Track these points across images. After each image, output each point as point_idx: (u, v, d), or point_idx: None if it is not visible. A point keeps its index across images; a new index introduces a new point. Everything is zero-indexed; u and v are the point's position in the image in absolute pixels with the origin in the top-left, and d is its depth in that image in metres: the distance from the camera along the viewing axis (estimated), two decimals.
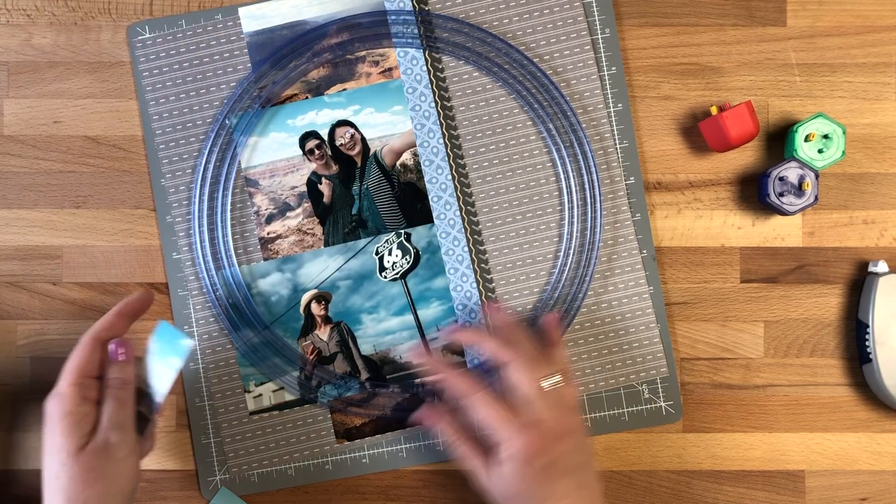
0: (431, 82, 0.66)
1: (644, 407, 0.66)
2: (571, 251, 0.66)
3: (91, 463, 0.54)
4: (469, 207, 0.66)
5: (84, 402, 0.55)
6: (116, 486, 0.55)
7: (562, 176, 0.66)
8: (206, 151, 0.66)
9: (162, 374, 0.59)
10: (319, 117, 0.67)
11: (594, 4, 0.66)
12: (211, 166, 0.66)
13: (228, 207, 0.66)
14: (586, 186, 0.66)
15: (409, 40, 0.66)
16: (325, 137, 0.67)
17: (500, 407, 0.58)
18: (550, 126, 0.66)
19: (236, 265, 0.66)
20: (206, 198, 0.66)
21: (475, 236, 0.66)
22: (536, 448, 0.56)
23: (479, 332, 0.64)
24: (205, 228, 0.66)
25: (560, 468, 0.57)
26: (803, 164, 0.64)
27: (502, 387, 0.59)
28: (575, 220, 0.66)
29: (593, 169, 0.66)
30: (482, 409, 0.58)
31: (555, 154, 0.66)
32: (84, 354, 0.57)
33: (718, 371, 0.67)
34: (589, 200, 0.66)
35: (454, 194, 0.66)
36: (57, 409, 0.55)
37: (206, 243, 0.66)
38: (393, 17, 0.66)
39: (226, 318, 0.66)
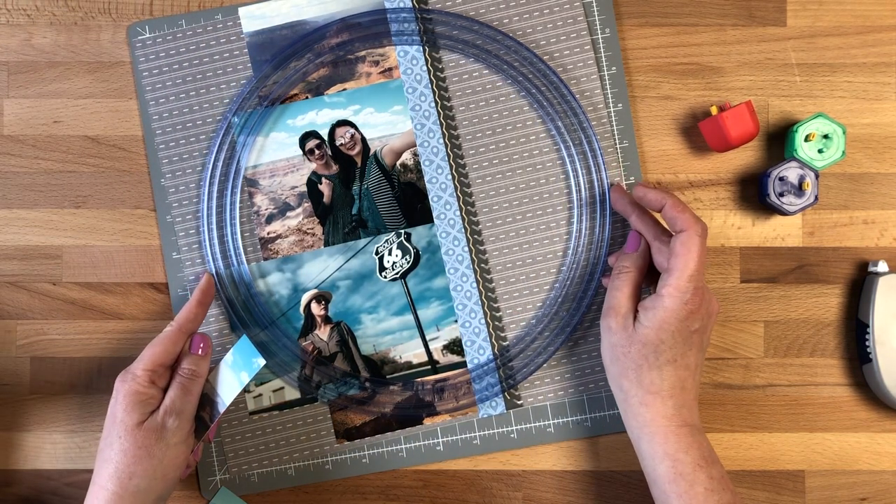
0: (431, 82, 0.66)
1: None
2: (580, 249, 0.66)
3: (144, 441, 0.57)
4: (469, 207, 0.66)
5: (152, 386, 0.58)
6: (161, 469, 0.57)
7: (571, 174, 0.66)
8: (215, 150, 0.66)
9: (230, 385, 0.61)
10: (319, 117, 0.67)
11: (594, 4, 0.66)
12: (220, 165, 0.66)
13: (238, 206, 0.66)
14: (595, 184, 0.66)
15: (410, 38, 0.66)
16: (325, 137, 0.67)
17: (700, 259, 0.57)
18: (560, 124, 0.66)
19: (245, 263, 0.66)
20: (214, 196, 0.66)
21: (475, 236, 0.66)
22: (699, 312, 0.57)
23: (667, 193, 0.61)
24: (213, 227, 0.66)
25: (700, 341, 0.59)
26: (803, 164, 0.64)
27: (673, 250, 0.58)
28: (584, 218, 0.66)
29: (602, 166, 0.65)
30: (694, 250, 0.57)
31: (563, 152, 0.66)
32: (166, 345, 0.60)
33: (718, 371, 0.67)
34: (598, 198, 0.66)
35: (454, 194, 0.66)
36: (124, 386, 0.58)
37: (216, 242, 0.66)
38: (393, 16, 0.66)
39: (234, 316, 0.66)
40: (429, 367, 0.66)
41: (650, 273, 0.62)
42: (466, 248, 0.66)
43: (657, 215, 0.63)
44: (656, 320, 0.57)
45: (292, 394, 0.66)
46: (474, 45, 0.66)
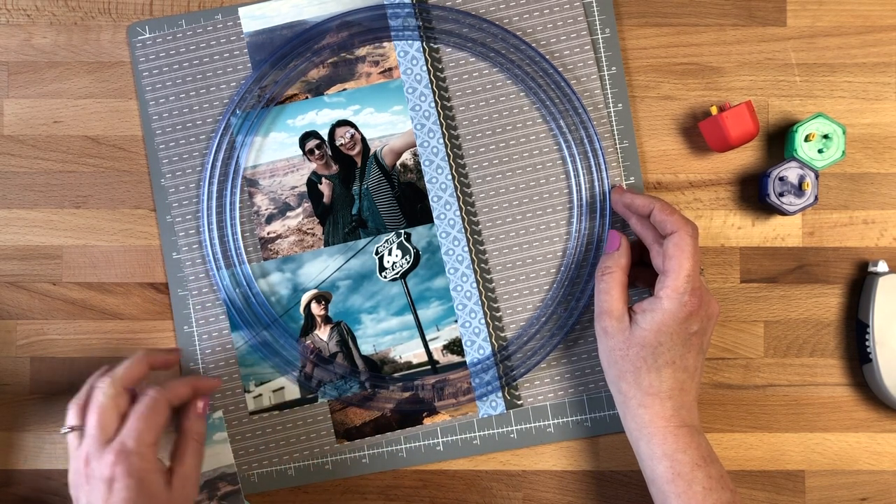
0: (431, 82, 0.66)
1: None
2: (580, 248, 0.66)
3: None
4: (469, 207, 0.66)
5: (158, 460, 0.58)
6: None
7: (571, 174, 0.66)
8: (213, 150, 0.66)
9: None
10: (319, 117, 0.67)
11: (594, 4, 0.66)
12: (219, 164, 0.66)
13: (238, 206, 0.66)
14: (596, 184, 0.66)
15: (409, 34, 0.66)
16: (325, 137, 0.67)
17: (694, 259, 0.57)
18: (561, 123, 0.66)
19: (246, 262, 0.66)
20: (214, 196, 0.66)
21: (475, 236, 0.66)
22: (698, 314, 0.57)
23: (654, 198, 0.61)
24: (213, 227, 0.66)
25: (700, 343, 0.59)
26: (803, 164, 0.64)
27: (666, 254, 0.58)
28: (584, 218, 0.66)
29: (603, 166, 0.65)
30: (687, 250, 0.57)
31: (565, 151, 0.66)
32: (162, 416, 0.58)
33: (718, 371, 0.67)
34: (598, 198, 0.66)
35: (454, 194, 0.66)
36: (134, 470, 0.56)
37: (216, 242, 0.66)
38: (392, 12, 0.66)
39: (236, 315, 0.66)
40: (429, 367, 0.66)
41: (647, 275, 0.62)
42: (466, 248, 0.66)
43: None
44: (655, 322, 0.57)
45: (292, 394, 0.66)
46: (474, 40, 0.66)
